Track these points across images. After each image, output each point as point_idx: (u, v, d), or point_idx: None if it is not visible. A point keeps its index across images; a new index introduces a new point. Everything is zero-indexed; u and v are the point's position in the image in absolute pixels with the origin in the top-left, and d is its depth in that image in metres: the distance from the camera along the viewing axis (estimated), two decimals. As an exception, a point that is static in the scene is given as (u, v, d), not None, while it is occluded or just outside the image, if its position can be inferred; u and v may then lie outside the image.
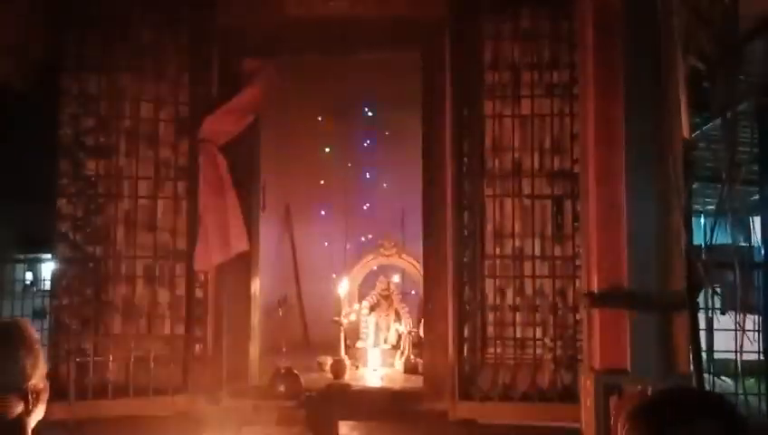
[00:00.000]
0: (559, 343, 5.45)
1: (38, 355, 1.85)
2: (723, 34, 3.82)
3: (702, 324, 4.96)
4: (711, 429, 1.31)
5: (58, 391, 5.29)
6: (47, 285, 6.33)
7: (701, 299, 4.96)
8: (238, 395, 5.85)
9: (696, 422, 1.32)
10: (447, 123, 5.68)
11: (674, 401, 1.41)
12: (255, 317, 6.44)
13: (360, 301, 8.07)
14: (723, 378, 6.06)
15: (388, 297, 7.89)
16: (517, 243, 5.56)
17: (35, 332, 1.90)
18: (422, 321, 6.89)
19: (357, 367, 7.25)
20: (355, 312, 7.82)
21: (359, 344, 7.66)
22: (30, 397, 1.80)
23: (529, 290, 5.52)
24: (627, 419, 1.38)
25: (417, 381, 6.54)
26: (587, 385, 4.30)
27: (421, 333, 6.98)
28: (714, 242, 4.06)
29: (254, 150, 6.50)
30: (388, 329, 7.83)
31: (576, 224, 5.32)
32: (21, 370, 1.80)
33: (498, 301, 5.54)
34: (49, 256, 6.01)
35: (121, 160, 5.76)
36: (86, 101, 5.68)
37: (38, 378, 1.84)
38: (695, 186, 4.66)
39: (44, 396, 1.88)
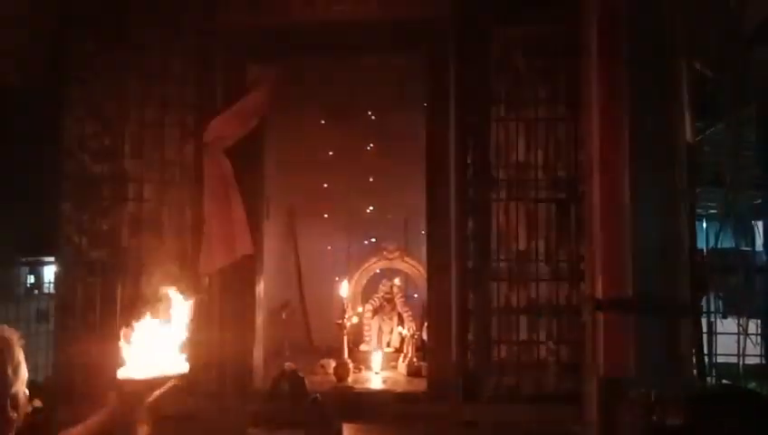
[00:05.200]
0: (563, 346, 5.46)
1: (19, 363, 1.80)
2: (727, 39, 3.84)
3: (704, 328, 4.97)
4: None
5: (64, 394, 5.35)
6: (50, 288, 6.33)
7: (704, 303, 4.97)
8: (243, 397, 5.86)
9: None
10: (451, 127, 5.68)
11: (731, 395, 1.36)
12: (259, 320, 6.44)
13: (363, 304, 8.07)
14: (725, 382, 6.06)
15: (391, 300, 7.88)
16: (521, 246, 5.57)
17: (19, 338, 1.83)
18: (425, 324, 6.89)
19: (360, 370, 7.25)
20: (358, 315, 7.82)
21: (362, 347, 7.67)
22: (8, 405, 1.75)
23: (533, 293, 5.53)
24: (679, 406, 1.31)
25: (419, 384, 6.54)
26: (591, 388, 4.32)
27: (424, 336, 6.99)
28: (717, 246, 4.07)
29: (258, 153, 6.51)
30: (391, 332, 7.83)
31: (580, 228, 5.32)
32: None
33: (502, 304, 5.55)
34: (51, 259, 6.01)
35: (126, 163, 5.78)
36: (91, 103, 5.70)
37: (18, 386, 1.79)
38: (699, 190, 4.66)
39: (24, 404, 1.82)
